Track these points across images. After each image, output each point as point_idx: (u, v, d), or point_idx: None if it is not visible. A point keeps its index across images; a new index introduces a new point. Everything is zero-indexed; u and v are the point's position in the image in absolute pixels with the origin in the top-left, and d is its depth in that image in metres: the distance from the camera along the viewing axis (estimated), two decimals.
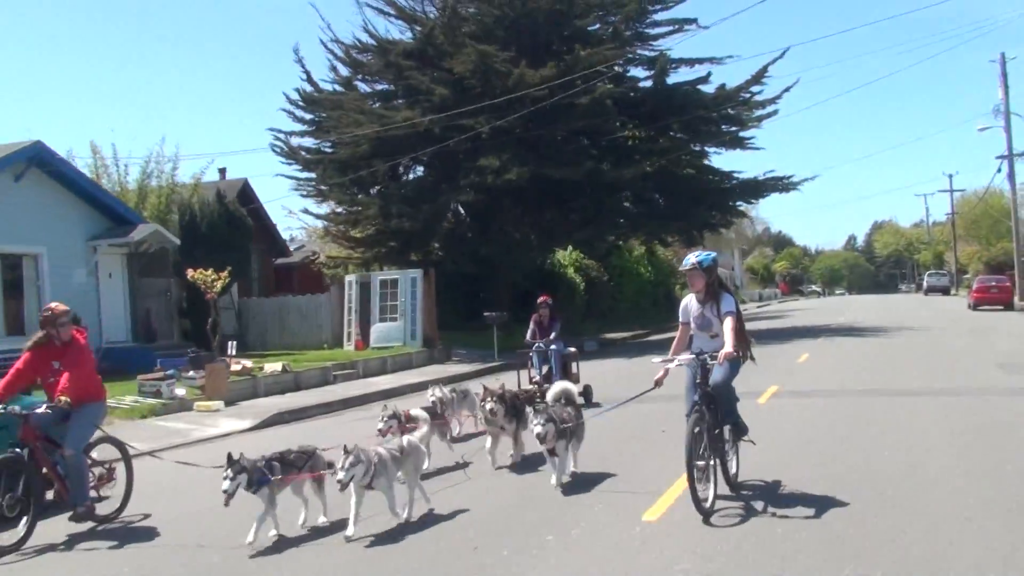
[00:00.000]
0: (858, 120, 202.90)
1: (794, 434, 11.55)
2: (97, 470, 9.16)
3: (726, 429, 8.19)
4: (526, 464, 10.23)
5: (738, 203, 36.87)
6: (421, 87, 29.71)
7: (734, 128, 33.93)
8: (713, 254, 8.42)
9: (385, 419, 9.73)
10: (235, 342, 21.84)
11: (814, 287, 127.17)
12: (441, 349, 26.76)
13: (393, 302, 27.13)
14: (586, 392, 15.09)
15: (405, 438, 8.42)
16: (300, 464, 8.06)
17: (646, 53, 34.16)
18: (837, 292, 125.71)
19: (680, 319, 8.40)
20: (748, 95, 33.11)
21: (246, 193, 36.45)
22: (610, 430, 10.68)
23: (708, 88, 33.14)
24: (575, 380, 15.05)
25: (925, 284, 78.22)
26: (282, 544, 7.60)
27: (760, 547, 6.72)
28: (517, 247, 33.07)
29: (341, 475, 7.36)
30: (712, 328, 8.13)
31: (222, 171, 39.89)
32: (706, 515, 7.33)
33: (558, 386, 9.87)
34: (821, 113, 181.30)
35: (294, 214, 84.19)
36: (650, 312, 46.28)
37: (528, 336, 16.20)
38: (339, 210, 34.71)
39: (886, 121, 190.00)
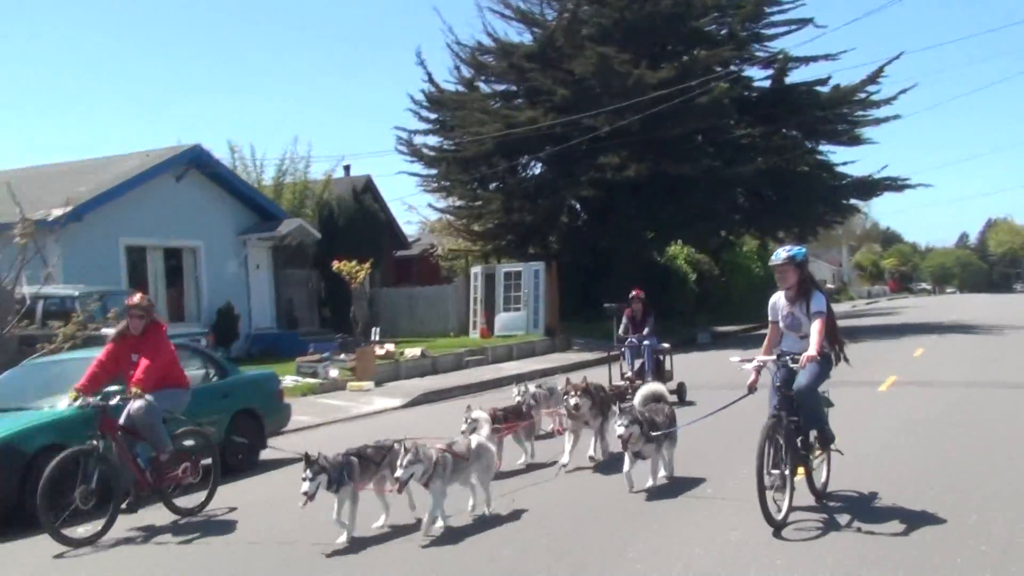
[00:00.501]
0: (972, 116, 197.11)
1: (907, 418, 12.41)
2: (182, 462, 8.90)
3: (812, 435, 7.67)
4: (610, 465, 9.66)
5: (851, 200, 37.20)
6: (543, 88, 30.99)
7: (849, 127, 34.37)
8: (804, 249, 7.89)
9: (468, 420, 8.94)
10: (378, 328, 23.44)
11: (924, 285, 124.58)
12: (562, 338, 27.97)
13: (517, 292, 28.48)
14: (680, 390, 14.84)
15: (474, 438, 8.09)
16: (378, 459, 7.76)
17: (762, 53, 34.82)
18: (948, 291, 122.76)
19: (769, 317, 7.96)
20: (864, 95, 33.51)
21: (368, 190, 38.28)
22: (704, 432, 9.81)
23: (824, 87, 33.67)
24: (668, 377, 15.19)
25: None
26: (356, 544, 7.37)
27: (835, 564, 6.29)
28: (632, 241, 34.02)
29: (400, 472, 7.15)
30: (802, 328, 7.64)
31: (347, 168, 41.73)
32: (777, 527, 6.90)
33: (647, 388, 9.49)
34: (936, 110, 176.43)
35: (414, 208, 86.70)
36: (760, 307, 46.39)
37: (620, 331, 15.93)
38: (459, 204, 36.22)
39: (1001, 118, 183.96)
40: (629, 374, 15.31)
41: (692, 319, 35.06)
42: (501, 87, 35.02)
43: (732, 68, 31.91)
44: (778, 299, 7.83)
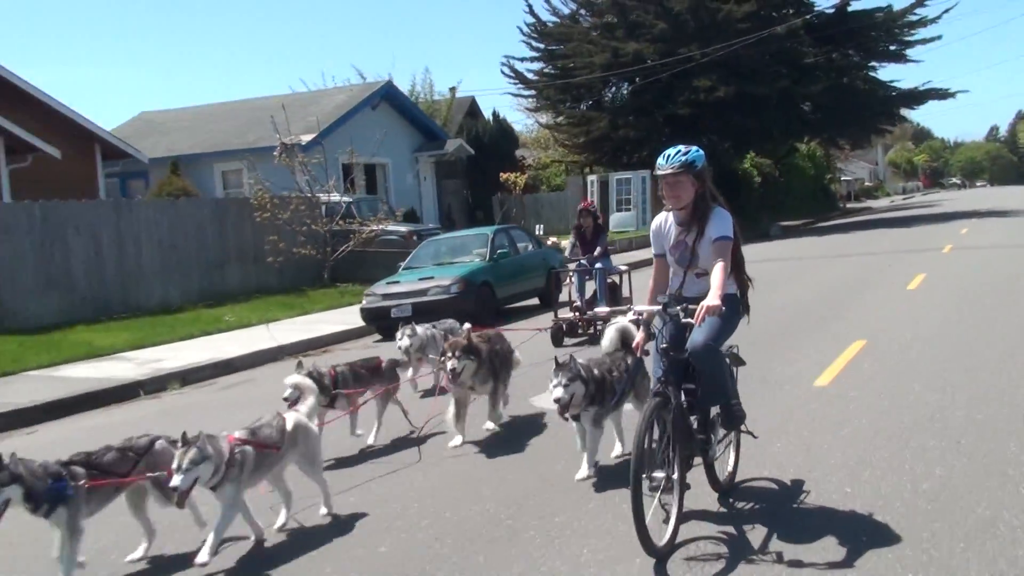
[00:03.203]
0: (1008, 28, 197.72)
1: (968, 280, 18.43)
2: None
3: (713, 412, 5.61)
4: (511, 440, 7.62)
5: (900, 110, 43.07)
6: (643, 22, 36.81)
7: (900, 47, 40.10)
8: (702, 151, 5.47)
9: (290, 388, 6.81)
10: (542, 226, 29.93)
11: (954, 179, 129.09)
12: None
13: (627, 196, 34.89)
14: None
15: (290, 417, 6.02)
16: (124, 468, 5.54)
17: None
18: (978, 184, 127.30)
19: (653, 250, 5.68)
20: (915, 17, 39.15)
21: (473, 110, 44.42)
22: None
23: (879, 12, 39.33)
24: (626, 305, 11.63)
25: None
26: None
27: None
28: (711, 152, 40.15)
29: (178, 479, 5.04)
30: (698, 263, 5.47)
31: (452, 90, 47.88)
32: (659, 556, 4.80)
33: (616, 328, 6.81)
34: (971, 19, 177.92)
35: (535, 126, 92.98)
36: (810, 204, 52.91)
37: (567, 251, 14.05)
38: (562, 121, 42.34)
39: None
40: (579, 303, 13.13)
41: (755, 216, 41.33)
42: (601, 20, 40.74)
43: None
44: (663, 222, 5.64)
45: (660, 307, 5.29)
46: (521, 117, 45.98)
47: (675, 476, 5.12)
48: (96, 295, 17.70)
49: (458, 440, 7.68)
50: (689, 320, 5.16)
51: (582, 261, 13.36)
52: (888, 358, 9.60)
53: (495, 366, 7.92)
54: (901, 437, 6.67)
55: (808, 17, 37.68)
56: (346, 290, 20.62)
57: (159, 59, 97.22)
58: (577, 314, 12.78)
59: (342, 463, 7.46)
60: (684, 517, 5.15)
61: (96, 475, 5.32)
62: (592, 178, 36.36)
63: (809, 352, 10.33)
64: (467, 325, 9.24)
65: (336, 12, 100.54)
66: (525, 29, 40.89)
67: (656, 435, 5.02)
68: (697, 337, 5.24)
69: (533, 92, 42.27)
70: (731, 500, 5.71)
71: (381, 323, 15.11)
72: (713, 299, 5.02)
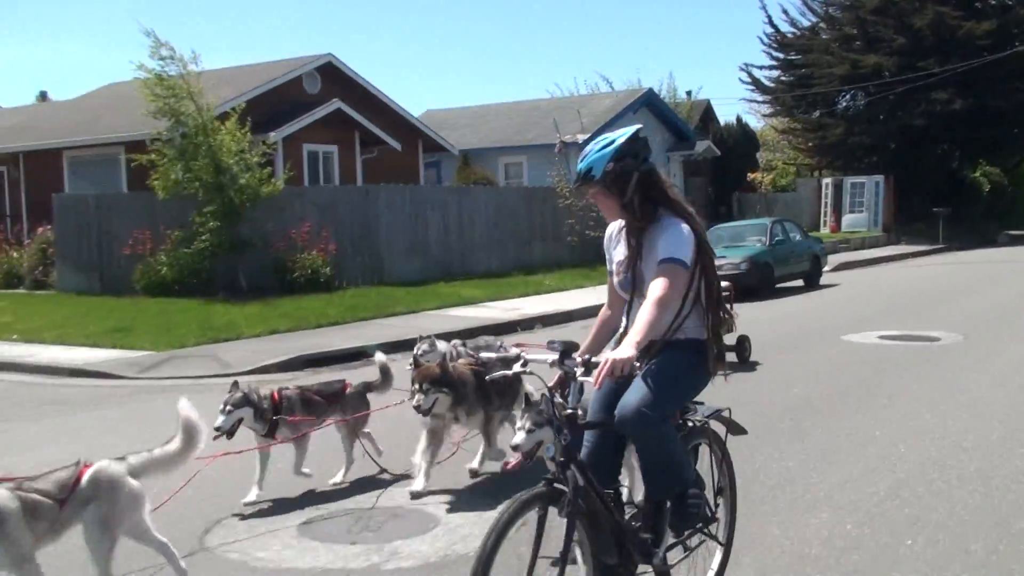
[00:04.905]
0: None
1: None
2: None
3: (667, 507, 3.99)
4: (499, 490, 6.05)
5: None
6: (883, 36, 39.25)
7: None
8: (618, 141, 3.96)
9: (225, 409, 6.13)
10: None
11: None
12: (893, 235, 36.93)
13: (860, 199, 37.58)
14: (740, 347, 11.10)
15: (98, 466, 4.52)
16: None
17: None
18: None
19: (608, 266, 4.30)
20: None
21: (708, 114, 47.78)
22: None
23: None
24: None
25: None
26: None
27: None
28: (941, 161, 42.07)
29: None
30: (645, 289, 3.95)
31: (688, 94, 51.42)
32: None
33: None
34: None
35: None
36: None
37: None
38: (795, 127, 45.15)
39: None
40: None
41: (981, 226, 42.86)
42: (840, 33, 43.29)
43: None
44: (614, 232, 4.29)
45: (554, 359, 3.85)
46: (752, 120, 48.91)
47: None
48: (442, 260, 22.47)
49: (419, 485, 6.19)
50: (586, 379, 3.73)
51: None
52: None
53: (487, 393, 6.45)
54: None
55: None
56: None
57: (431, 63, 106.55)
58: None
59: (278, 504, 6.28)
60: None
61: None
62: (827, 181, 39.18)
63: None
64: (501, 340, 8.32)
65: (584, 23, 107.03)
66: (765, 40, 43.99)
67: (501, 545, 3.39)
68: (629, 400, 3.79)
69: (768, 98, 45.35)
70: None
71: None
72: (624, 349, 3.57)
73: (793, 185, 43.65)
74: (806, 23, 44.04)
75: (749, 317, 12.95)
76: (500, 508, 3.50)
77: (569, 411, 3.73)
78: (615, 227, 4.25)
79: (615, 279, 4.21)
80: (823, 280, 21.76)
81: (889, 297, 18.80)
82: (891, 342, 12.86)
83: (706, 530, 4.25)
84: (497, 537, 3.38)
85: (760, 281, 18.82)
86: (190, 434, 4.81)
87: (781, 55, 44.09)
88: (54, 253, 22.13)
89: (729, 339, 10.15)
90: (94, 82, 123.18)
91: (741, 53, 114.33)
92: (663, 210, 4.02)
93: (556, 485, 3.61)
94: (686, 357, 3.99)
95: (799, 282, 21.05)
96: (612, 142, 3.95)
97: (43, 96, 41.04)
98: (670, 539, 4.08)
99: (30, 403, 10.93)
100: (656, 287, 3.81)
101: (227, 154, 18.94)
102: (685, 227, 3.96)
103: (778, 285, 20.20)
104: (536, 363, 4.00)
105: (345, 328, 15.78)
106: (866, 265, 28.50)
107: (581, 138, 31.07)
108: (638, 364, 3.70)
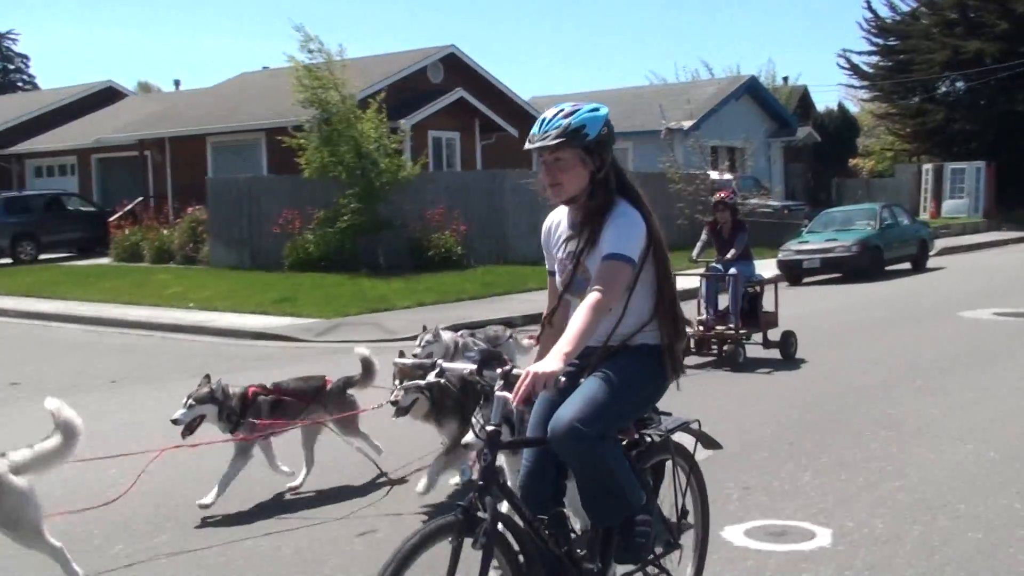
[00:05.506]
0: None
1: None
2: None
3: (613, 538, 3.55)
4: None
5: None
6: (986, 21, 39.34)
7: None
8: (601, 113, 3.54)
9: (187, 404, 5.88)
10: None
11: None
12: (994, 221, 37.12)
13: (960, 184, 37.85)
14: (784, 344, 10.65)
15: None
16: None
17: None
18: None
19: (546, 264, 3.91)
20: None
21: (805, 99, 48.20)
22: None
23: None
24: (770, 323, 10.84)
25: None
26: None
27: None
28: None
29: None
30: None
31: (785, 79, 51.87)
32: None
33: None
34: None
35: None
36: None
37: (695, 251, 11.19)
38: (894, 112, 45.36)
39: None
40: (704, 316, 10.82)
41: None
42: (941, 18, 43.37)
43: None
44: (552, 225, 3.84)
45: (472, 369, 3.61)
46: (850, 106, 49.20)
47: None
48: None
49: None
50: (502, 394, 3.31)
51: (714, 264, 10.98)
52: None
53: (465, 406, 5.67)
54: None
55: None
56: None
57: (534, 51, 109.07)
58: (702, 329, 10.64)
59: (263, 508, 6.11)
60: None
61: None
62: (927, 167, 39.45)
63: None
64: (509, 331, 8.15)
65: (682, 9, 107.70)
66: (864, 25, 44.27)
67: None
68: (562, 414, 3.36)
69: (866, 83, 45.62)
70: None
71: (793, 272, 20.07)
72: (550, 362, 3.16)
73: (891, 171, 43.95)
74: (906, 8, 44.22)
75: (861, 296, 14.18)
76: (401, 540, 3.09)
77: (491, 428, 3.30)
78: (551, 222, 3.82)
79: (557, 277, 3.76)
80: (929, 264, 22.57)
81: (997, 278, 19.54)
82: (1007, 318, 13.81)
83: (660, 562, 3.75)
84: (393, 574, 2.98)
85: (870, 263, 19.79)
86: (69, 431, 4.65)
87: (880, 40, 44.31)
88: (203, 231, 24.02)
89: (773, 335, 10.74)
90: (222, 71, 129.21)
91: (840, 39, 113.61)
92: (619, 197, 3.58)
93: (473, 512, 3.16)
94: (636, 365, 3.54)
95: (906, 265, 21.87)
96: (597, 108, 3.53)
97: (176, 84, 43.42)
98: (620, 570, 3.65)
99: (235, 360, 12.56)
100: (594, 290, 3.36)
101: (368, 140, 20.51)
102: (637, 215, 3.53)
103: (887, 268, 21.07)
104: (452, 372, 3.83)
105: (482, 302, 17.19)
106: (968, 250, 28.94)
107: (687, 124, 32.13)
108: (563, 379, 3.23)
